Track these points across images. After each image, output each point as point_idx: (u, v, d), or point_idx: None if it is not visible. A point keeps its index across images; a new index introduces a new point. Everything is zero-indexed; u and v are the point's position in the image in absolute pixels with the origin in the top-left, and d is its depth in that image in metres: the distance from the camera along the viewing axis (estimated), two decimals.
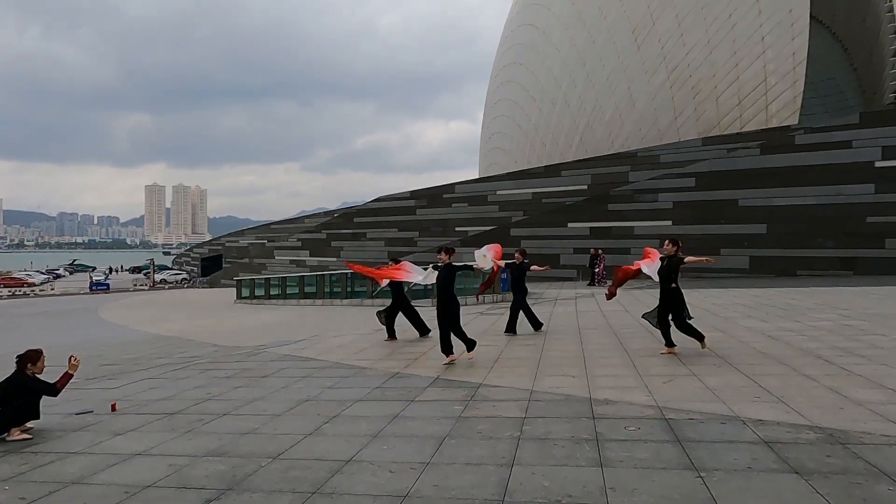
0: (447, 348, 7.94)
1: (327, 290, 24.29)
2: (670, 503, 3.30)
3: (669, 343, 7.80)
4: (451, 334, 7.94)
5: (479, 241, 29.99)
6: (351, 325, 9.43)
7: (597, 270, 22.66)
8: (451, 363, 7.80)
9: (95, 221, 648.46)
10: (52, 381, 5.56)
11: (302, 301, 25.19)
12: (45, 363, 5.66)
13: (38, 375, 5.55)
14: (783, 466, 3.74)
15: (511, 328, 10.25)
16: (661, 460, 3.94)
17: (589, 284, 22.41)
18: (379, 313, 10.90)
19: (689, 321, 7.75)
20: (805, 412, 4.86)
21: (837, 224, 22.33)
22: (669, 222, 25.62)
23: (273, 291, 28.43)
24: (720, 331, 9.71)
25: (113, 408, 6.35)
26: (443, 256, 8.18)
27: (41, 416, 6.04)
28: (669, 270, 7.73)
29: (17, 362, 5.51)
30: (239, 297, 31.46)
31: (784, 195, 23.38)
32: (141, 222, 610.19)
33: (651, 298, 16.39)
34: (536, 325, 10.51)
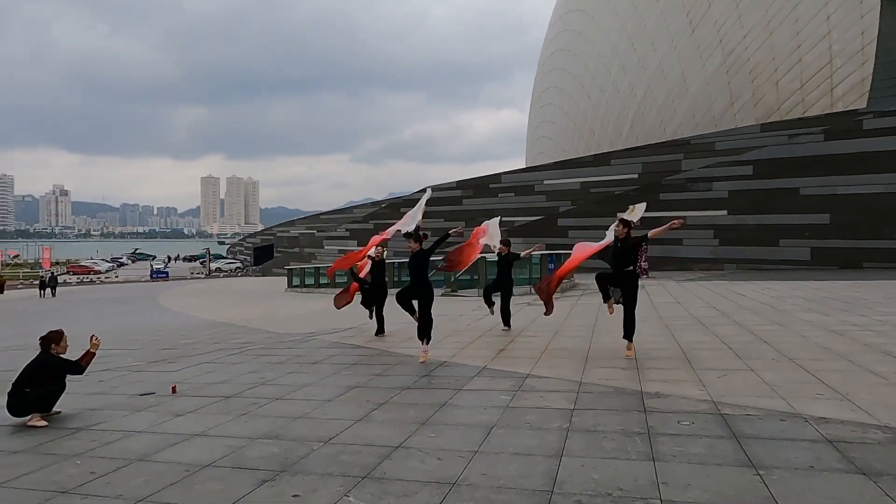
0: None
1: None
2: (726, 500, 3.20)
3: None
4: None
5: (525, 231, 29.79)
6: (398, 314, 9.53)
7: (640, 263, 22.08)
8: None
9: (155, 212, 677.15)
10: (75, 360, 5.75)
11: None
12: (68, 343, 5.85)
13: (62, 355, 5.76)
14: (849, 467, 3.56)
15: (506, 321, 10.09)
16: (716, 456, 3.83)
17: None
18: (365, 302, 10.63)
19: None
20: (872, 411, 4.62)
21: None
22: (724, 212, 24.77)
23: (322, 280, 29.03)
24: (778, 324, 9.33)
25: (173, 390, 6.63)
26: (413, 245, 7.74)
27: (106, 397, 6.36)
28: (627, 252, 7.06)
29: (41, 344, 5.72)
30: (290, 285, 32.30)
31: (849, 183, 22.21)
32: (197, 213, 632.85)
33: (706, 291, 15.89)
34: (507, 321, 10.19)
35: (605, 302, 7.48)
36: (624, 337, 7.23)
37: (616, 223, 7.20)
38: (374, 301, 10.51)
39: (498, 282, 10.36)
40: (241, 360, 8.65)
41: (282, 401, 5.96)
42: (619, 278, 7.15)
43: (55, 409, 5.73)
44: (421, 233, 8.09)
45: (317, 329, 11.86)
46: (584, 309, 12.92)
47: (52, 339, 5.73)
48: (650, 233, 7.01)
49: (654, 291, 15.90)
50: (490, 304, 10.43)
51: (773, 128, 25.66)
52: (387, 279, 11.28)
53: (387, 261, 10.66)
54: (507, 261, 10.19)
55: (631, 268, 7.06)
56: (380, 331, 10.26)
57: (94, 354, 5.89)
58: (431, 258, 7.96)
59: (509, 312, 10.21)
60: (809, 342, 7.70)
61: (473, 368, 7.00)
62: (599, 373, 6.41)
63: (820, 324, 9.22)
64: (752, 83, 29.53)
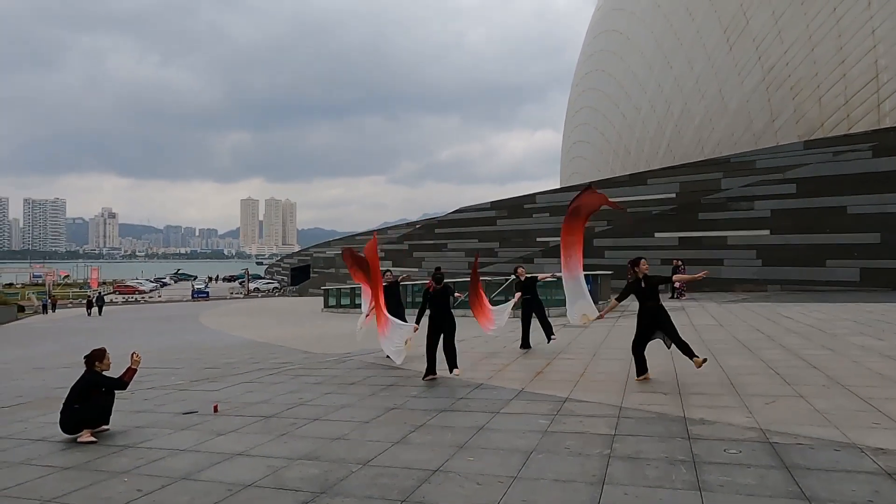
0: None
1: (409, 299, 24.71)
2: None
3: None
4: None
5: (560, 252, 29.51)
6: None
7: (676, 285, 21.56)
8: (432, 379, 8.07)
9: (197, 233, 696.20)
10: (118, 376, 6.02)
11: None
12: (111, 360, 6.13)
13: (105, 372, 6.03)
14: None
15: (547, 333, 10.48)
16: (766, 487, 3.68)
17: (671, 297, 21.41)
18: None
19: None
20: None
21: None
22: (767, 231, 24.09)
23: (357, 301, 29.26)
24: (828, 349, 8.97)
25: (215, 409, 6.75)
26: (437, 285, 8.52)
27: (151, 415, 6.51)
28: (654, 289, 7.09)
29: (85, 362, 6.02)
30: (326, 305, 32.68)
31: None
32: (237, 234, 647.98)
33: (750, 314, 15.42)
34: (527, 343, 10.65)
35: (639, 376, 7.21)
36: (693, 357, 6.81)
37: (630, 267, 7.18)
38: None
39: (530, 303, 10.63)
40: (280, 380, 8.77)
41: (320, 421, 6.01)
42: (652, 316, 7.03)
43: (103, 426, 5.92)
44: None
45: (353, 350, 11.94)
46: (623, 332, 12.67)
47: (96, 357, 6.02)
48: (675, 277, 8.19)
49: (694, 313, 15.52)
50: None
51: (817, 145, 24.92)
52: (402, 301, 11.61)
53: (402, 283, 11.18)
54: (531, 283, 10.67)
55: (659, 302, 7.10)
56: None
57: (135, 371, 6.14)
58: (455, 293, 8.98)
59: (549, 325, 10.53)
60: (862, 368, 7.37)
61: (511, 391, 6.93)
62: (640, 397, 6.27)
63: (873, 348, 8.83)
64: (793, 100, 28.84)
